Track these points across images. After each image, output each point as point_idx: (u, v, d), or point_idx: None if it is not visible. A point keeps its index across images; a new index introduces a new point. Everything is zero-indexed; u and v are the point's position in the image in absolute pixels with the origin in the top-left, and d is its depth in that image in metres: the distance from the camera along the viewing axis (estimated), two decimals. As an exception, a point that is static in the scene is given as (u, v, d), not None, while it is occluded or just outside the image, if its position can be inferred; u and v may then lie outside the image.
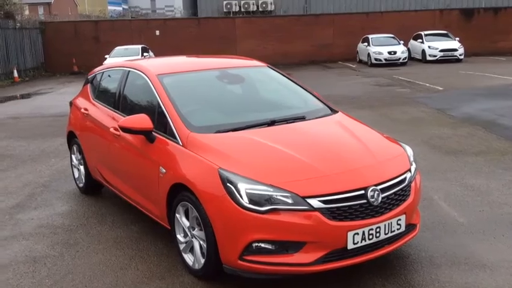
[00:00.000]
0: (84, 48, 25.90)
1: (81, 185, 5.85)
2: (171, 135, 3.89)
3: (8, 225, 4.98)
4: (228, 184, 3.22)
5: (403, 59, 22.99)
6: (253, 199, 3.13)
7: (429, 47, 23.83)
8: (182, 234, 3.79)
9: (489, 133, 8.23)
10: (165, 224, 4.02)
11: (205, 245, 3.45)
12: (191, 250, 3.70)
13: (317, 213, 3.10)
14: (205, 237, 3.41)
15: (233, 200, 3.17)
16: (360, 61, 25.33)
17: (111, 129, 4.66)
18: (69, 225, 4.90)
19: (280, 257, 3.16)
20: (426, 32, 24.96)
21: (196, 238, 3.60)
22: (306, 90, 4.79)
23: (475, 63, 22.11)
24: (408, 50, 24.45)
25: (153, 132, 4.02)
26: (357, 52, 25.87)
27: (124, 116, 4.52)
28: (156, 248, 4.24)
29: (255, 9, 30.36)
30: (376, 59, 23.19)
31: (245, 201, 3.14)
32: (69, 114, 6.15)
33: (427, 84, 15.32)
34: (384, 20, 27.58)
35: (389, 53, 22.97)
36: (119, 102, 4.83)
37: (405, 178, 3.57)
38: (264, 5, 30.25)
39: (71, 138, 5.94)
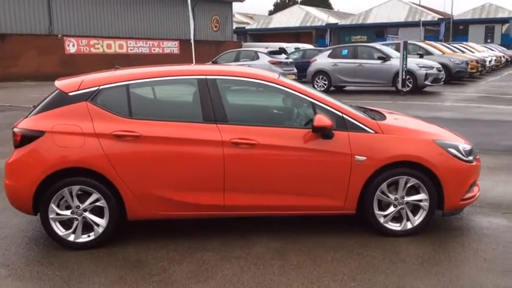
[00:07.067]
0: None
1: (87, 238, 4.33)
2: (353, 127, 4.43)
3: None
4: (449, 149, 4.49)
5: None
6: (467, 154, 4.59)
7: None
8: (378, 208, 4.49)
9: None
10: (348, 210, 4.51)
11: (426, 203, 4.48)
12: (394, 219, 4.55)
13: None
14: (428, 196, 4.45)
15: (458, 159, 4.51)
16: None
17: (236, 140, 4.29)
18: None
19: (474, 190, 4.74)
20: None
21: (407, 204, 4.51)
22: None
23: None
24: None
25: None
26: None
27: (241, 125, 4.41)
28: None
29: None
30: None
31: (465, 157, 4.56)
32: (38, 148, 4.21)
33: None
34: None
35: None
36: (222, 112, 4.40)
37: None
38: None
39: (57, 180, 4.18)
